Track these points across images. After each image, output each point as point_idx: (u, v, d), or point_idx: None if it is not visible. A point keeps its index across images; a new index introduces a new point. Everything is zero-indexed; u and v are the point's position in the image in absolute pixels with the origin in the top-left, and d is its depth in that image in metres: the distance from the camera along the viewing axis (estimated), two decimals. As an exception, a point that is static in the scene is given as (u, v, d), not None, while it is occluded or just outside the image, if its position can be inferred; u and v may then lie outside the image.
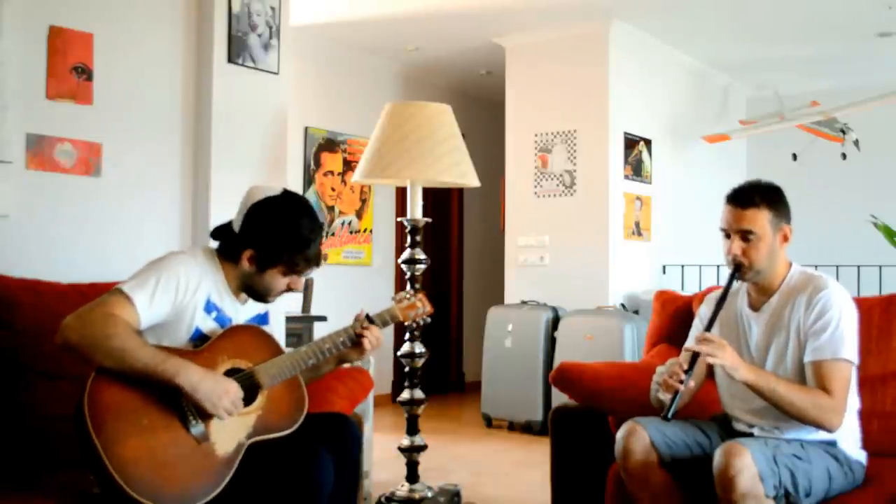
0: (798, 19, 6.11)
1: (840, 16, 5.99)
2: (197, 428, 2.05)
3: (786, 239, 2.45)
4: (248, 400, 2.15)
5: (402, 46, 6.90)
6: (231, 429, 2.11)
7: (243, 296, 2.38)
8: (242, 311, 2.37)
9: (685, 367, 2.25)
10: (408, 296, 2.54)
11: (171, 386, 2.00)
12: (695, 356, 2.26)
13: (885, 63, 7.03)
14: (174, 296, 2.15)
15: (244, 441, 2.12)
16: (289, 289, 2.34)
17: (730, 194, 2.47)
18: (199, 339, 2.20)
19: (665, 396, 2.27)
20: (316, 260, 2.33)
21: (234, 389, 2.09)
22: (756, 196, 2.43)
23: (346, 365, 2.60)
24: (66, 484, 2.25)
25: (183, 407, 2.04)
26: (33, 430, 2.47)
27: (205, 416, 2.06)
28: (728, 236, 2.44)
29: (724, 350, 2.24)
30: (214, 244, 2.40)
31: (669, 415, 2.23)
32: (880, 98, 6.54)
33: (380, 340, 2.42)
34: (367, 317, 2.42)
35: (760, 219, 2.40)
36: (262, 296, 2.35)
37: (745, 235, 2.40)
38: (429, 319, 2.58)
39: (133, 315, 2.07)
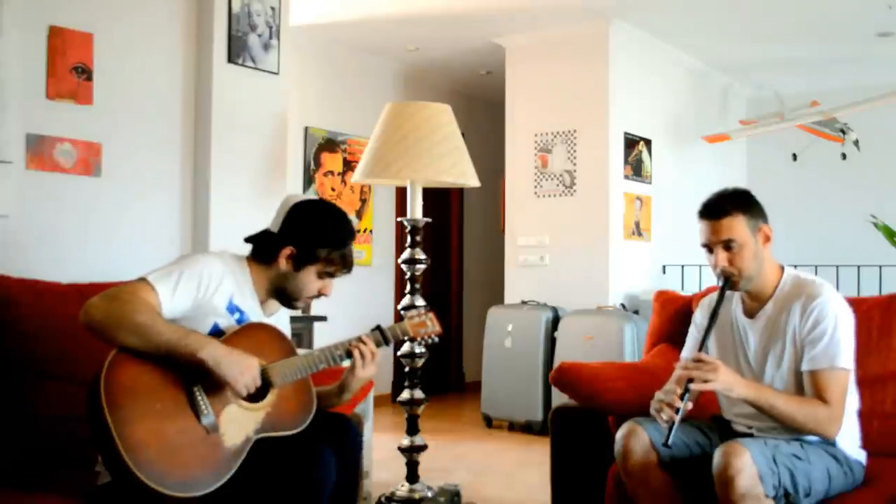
0: (798, 19, 6.10)
1: (840, 16, 5.99)
2: (208, 418, 2.06)
3: (767, 239, 2.45)
4: (259, 397, 2.16)
5: (402, 46, 6.89)
6: (240, 422, 2.12)
7: (272, 306, 2.41)
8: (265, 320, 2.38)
9: (679, 392, 2.24)
10: (419, 313, 2.55)
11: (193, 361, 2.02)
12: (687, 387, 2.25)
13: (885, 63, 7.03)
14: (196, 291, 2.18)
15: (252, 435, 2.14)
16: (319, 294, 2.39)
17: (701, 210, 2.47)
18: (217, 334, 2.21)
19: (664, 421, 2.25)
20: (350, 263, 2.39)
21: (255, 366, 2.11)
22: (727, 204, 2.42)
23: (347, 395, 2.52)
24: (67, 483, 2.25)
25: (196, 396, 2.06)
26: (33, 429, 2.47)
27: (217, 405, 2.08)
28: (711, 250, 2.44)
29: (717, 372, 2.23)
30: (242, 251, 2.41)
31: (669, 442, 2.22)
32: (880, 98, 6.53)
33: (367, 352, 2.35)
34: (380, 329, 2.43)
35: (737, 225, 2.40)
36: (292, 299, 2.39)
37: (728, 245, 2.39)
38: (437, 339, 2.56)
39: (156, 303, 2.09)
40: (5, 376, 2.50)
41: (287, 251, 2.32)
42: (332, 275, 2.37)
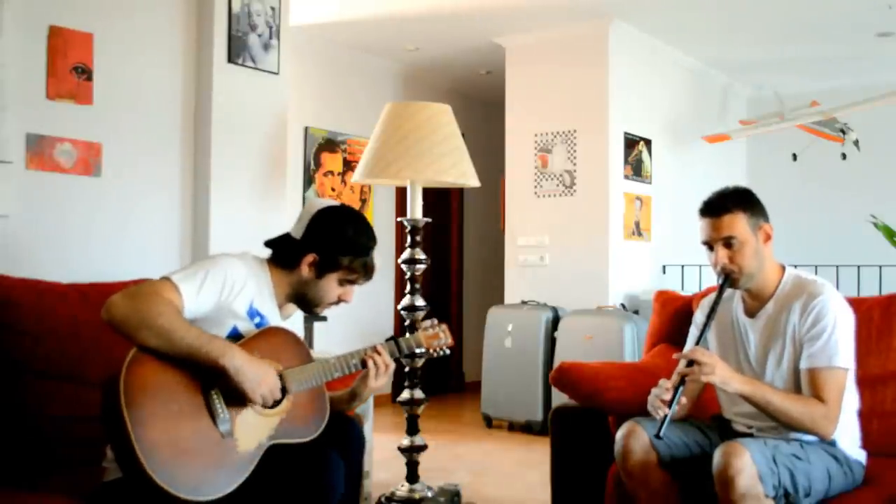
0: (798, 19, 6.11)
1: (840, 16, 5.99)
2: (224, 423, 2.06)
3: (768, 237, 2.45)
4: (275, 402, 2.16)
5: (402, 46, 6.89)
6: (255, 428, 2.12)
7: (288, 309, 2.41)
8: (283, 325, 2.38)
9: (672, 385, 2.26)
10: (432, 325, 2.56)
11: (214, 367, 2.02)
12: (682, 379, 2.26)
13: (885, 63, 7.03)
14: (219, 293, 2.17)
15: (265, 442, 2.13)
16: (339, 300, 2.40)
17: (702, 207, 2.48)
18: (235, 337, 2.21)
19: (658, 416, 2.27)
20: (371, 270, 2.42)
21: (272, 378, 2.11)
22: (728, 202, 2.43)
23: (356, 403, 2.55)
24: (68, 483, 2.25)
25: (213, 399, 2.06)
26: (33, 430, 2.47)
27: (233, 410, 2.07)
28: (711, 248, 2.44)
29: (714, 366, 2.24)
30: (262, 254, 2.41)
31: (661, 434, 2.24)
32: (880, 98, 6.53)
33: (381, 363, 2.39)
34: (395, 340, 2.44)
35: (738, 222, 2.40)
36: (312, 306, 2.40)
37: (728, 242, 2.40)
38: (448, 352, 2.58)
39: (179, 303, 2.09)
40: (5, 376, 2.49)
41: (310, 258, 2.32)
42: (353, 282, 2.39)
